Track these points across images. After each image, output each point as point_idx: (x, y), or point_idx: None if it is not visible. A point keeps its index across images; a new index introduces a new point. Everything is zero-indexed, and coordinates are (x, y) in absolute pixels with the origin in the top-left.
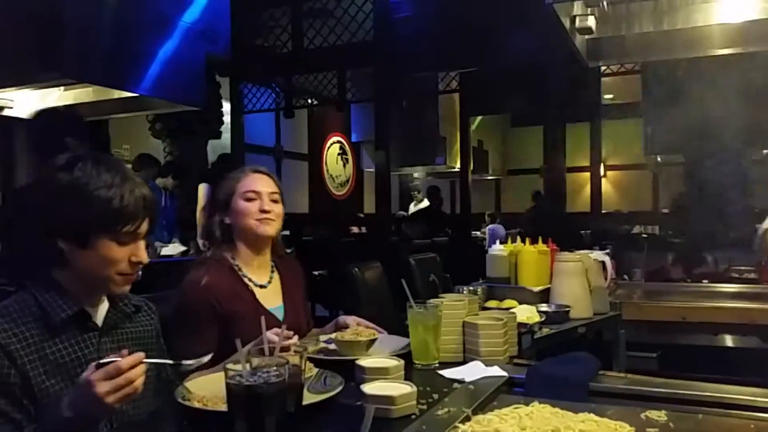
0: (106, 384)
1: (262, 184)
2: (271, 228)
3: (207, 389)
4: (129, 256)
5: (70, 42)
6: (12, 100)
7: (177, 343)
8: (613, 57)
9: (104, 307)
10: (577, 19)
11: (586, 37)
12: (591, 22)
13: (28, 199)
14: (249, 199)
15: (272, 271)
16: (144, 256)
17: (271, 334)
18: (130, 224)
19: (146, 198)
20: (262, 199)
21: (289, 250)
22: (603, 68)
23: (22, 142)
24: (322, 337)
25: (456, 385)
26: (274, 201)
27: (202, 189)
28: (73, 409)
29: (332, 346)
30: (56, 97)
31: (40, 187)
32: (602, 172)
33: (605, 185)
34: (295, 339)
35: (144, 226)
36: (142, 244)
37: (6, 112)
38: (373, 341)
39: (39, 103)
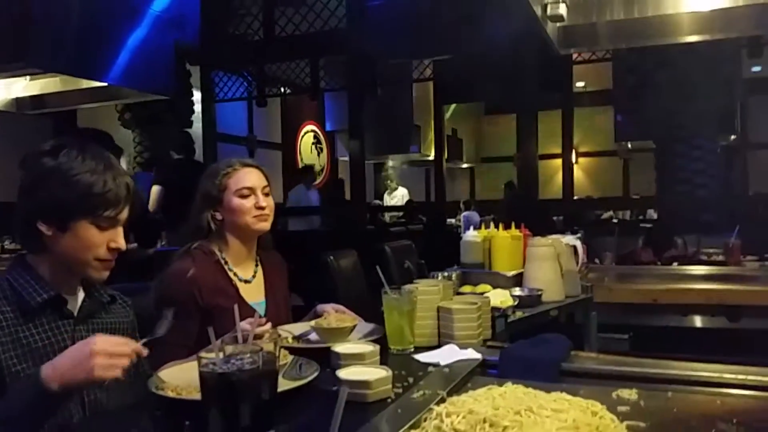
0: (107, 345)
1: (254, 179)
2: (267, 224)
3: (180, 378)
4: (108, 241)
5: (36, 31)
6: None
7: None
8: (584, 44)
9: (80, 296)
10: (549, 7)
11: (558, 24)
12: (562, 9)
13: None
14: (243, 196)
15: (256, 265)
16: (122, 242)
17: (245, 323)
18: (111, 209)
19: (128, 186)
20: (257, 195)
21: None
22: (575, 56)
23: None
24: (297, 328)
25: (431, 368)
26: (267, 194)
27: (156, 192)
28: (52, 368)
29: (312, 336)
30: (22, 86)
31: (24, 172)
32: (574, 159)
33: (577, 172)
34: (268, 326)
35: (124, 213)
36: (120, 230)
37: None
38: (354, 327)
39: (4, 93)
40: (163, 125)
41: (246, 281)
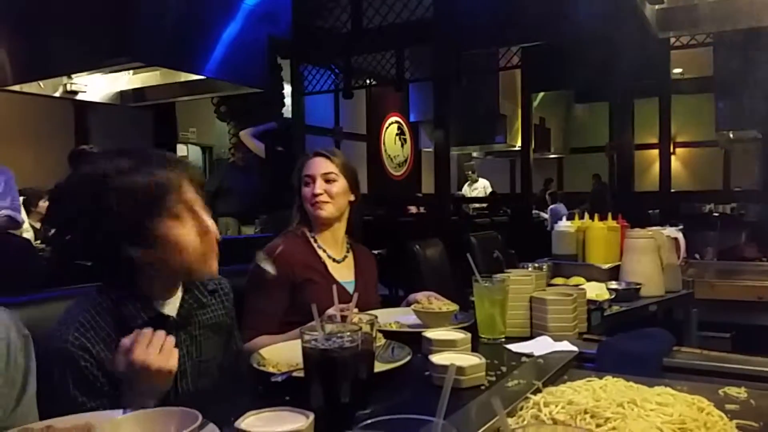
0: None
1: (315, 166)
2: (324, 211)
3: (280, 356)
4: (196, 230)
5: (138, 26)
6: (86, 85)
7: (249, 305)
8: (684, 27)
9: (178, 296)
10: None
11: (657, 6)
12: None
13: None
14: (306, 184)
15: (347, 251)
16: (210, 223)
17: (332, 310)
18: (169, 194)
19: (170, 161)
20: (315, 183)
21: None
22: (672, 41)
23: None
24: (385, 314)
25: (524, 358)
26: (330, 180)
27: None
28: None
29: (408, 320)
30: (126, 80)
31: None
32: (671, 149)
33: (674, 163)
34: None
35: (189, 193)
36: (202, 213)
37: (80, 96)
38: (454, 312)
39: (110, 87)
40: (256, 117)
41: (336, 260)
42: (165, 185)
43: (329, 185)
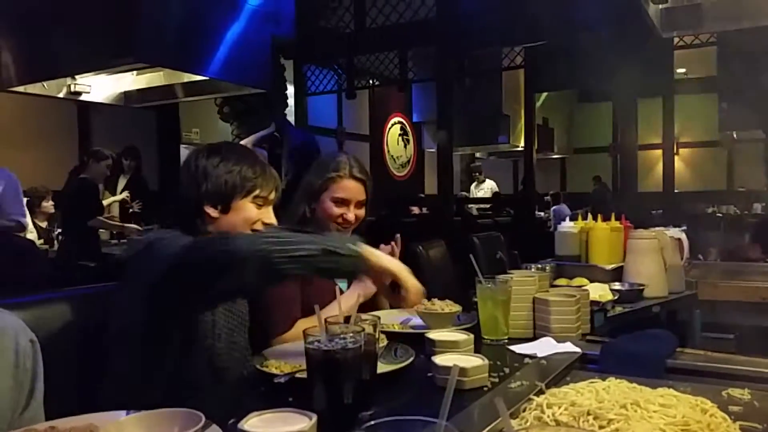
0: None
1: (353, 192)
2: (347, 233)
3: (284, 357)
4: (262, 217)
5: (142, 26)
6: (89, 86)
7: (274, 297)
8: (688, 27)
9: None
10: None
11: (660, 6)
12: None
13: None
14: (337, 203)
15: None
16: (273, 219)
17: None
18: (264, 190)
19: (274, 174)
20: (348, 208)
21: None
22: (675, 41)
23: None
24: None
25: (527, 360)
26: (361, 206)
27: None
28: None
29: (411, 321)
30: (130, 81)
31: (188, 170)
32: (675, 150)
33: (677, 163)
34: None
35: (272, 195)
36: (271, 210)
37: (84, 97)
38: (457, 313)
39: (115, 87)
40: (258, 118)
41: None
42: (264, 181)
43: (359, 211)
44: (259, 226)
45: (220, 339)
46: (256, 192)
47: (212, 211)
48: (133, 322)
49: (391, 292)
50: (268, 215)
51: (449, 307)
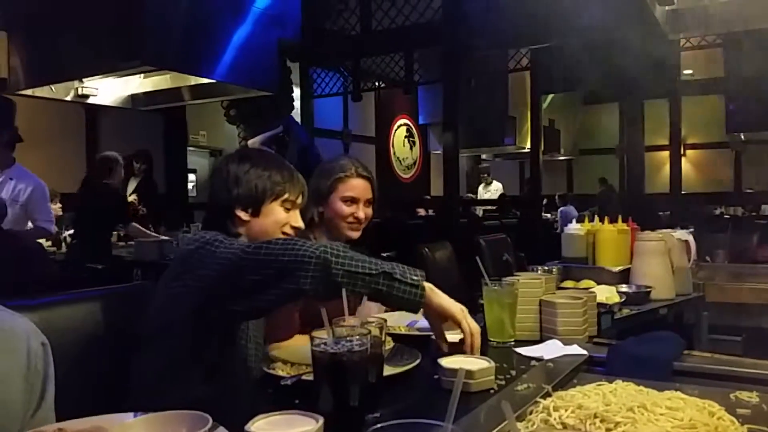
0: None
1: (361, 190)
2: (357, 233)
3: (291, 359)
4: (290, 221)
5: (149, 30)
6: (96, 89)
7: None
8: (695, 28)
9: None
10: None
11: (667, 8)
12: None
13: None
14: (346, 202)
15: None
16: (301, 223)
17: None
18: (292, 194)
19: (301, 179)
20: (357, 206)
21: None
22: (682, 42)
23: (106, 128)
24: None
25: (534, 362)
26: (368, 205)
27: None
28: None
29: (417, 324)
30: (137, 84)
31: (220, 175)
32: (682, 151)
33: (684, 164)
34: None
35: (300, 199)
36: (298, 213)
37: (91, 100)
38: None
39: (122, 90)
40: (264, 121)
41: None
42: (293, 186)
43: (368, 209)
44: (287, 229)
45: (250, 340)
46: (285, 196)
47: (243, 215)
48: (174, 321)
49: (443, 335)
50: (296, 218)
51: None
